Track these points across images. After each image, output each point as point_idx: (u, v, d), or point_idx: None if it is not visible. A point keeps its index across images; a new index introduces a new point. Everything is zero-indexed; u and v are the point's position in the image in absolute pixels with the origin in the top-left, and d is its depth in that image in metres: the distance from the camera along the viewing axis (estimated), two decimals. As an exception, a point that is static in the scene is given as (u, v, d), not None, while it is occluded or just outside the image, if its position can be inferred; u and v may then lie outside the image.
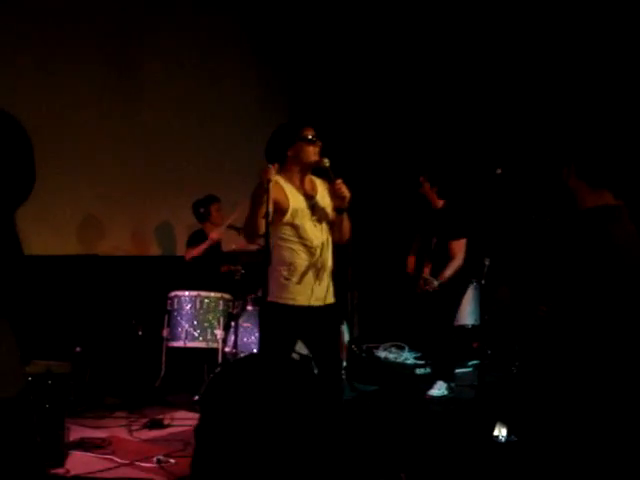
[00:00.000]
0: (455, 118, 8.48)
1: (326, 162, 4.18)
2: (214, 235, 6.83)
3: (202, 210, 7.01)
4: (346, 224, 4.34)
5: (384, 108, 9.01)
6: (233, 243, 6.80)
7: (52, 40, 6.82)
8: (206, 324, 6.31)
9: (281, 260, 4.19)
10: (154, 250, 7.73)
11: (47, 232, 6.61)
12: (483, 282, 5.50)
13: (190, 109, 7.99)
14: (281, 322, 4.18)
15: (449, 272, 6.44)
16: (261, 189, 3.97)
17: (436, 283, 6.39)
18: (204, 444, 1.39)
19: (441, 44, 8.49)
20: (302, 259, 4.17)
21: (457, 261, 6.50)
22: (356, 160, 8.51)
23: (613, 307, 2.90)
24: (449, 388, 6.50)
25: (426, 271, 6.64)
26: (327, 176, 4.23)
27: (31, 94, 6.58)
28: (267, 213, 3.96)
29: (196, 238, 6.97)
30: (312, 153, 4.18)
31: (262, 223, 4.01)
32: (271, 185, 4.00)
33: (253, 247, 6.26)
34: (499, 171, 6.37)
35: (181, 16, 7.98)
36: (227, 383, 1.43)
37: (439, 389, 6.49)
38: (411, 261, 6.96)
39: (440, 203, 6.62)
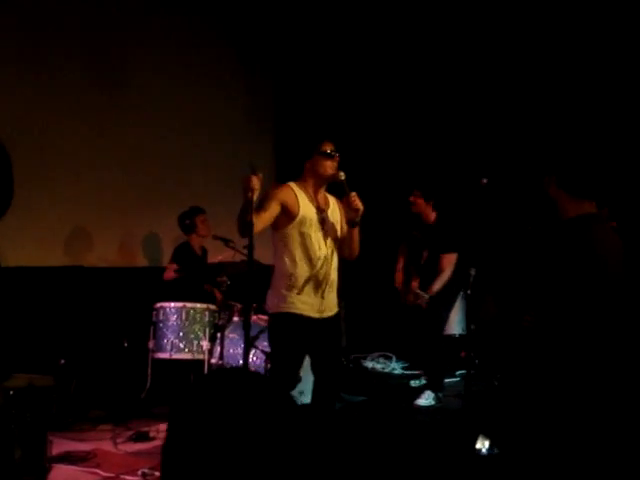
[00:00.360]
0: (440, 130, 8.50)
1: (342, 176, 4.27)
2: (167, 275, 6.84)
3: (187, 222, 7.00)
4: (356, 239, 4.41)
5: (371, 120, 9.02)
6: (219, 254, 6.78)
7: (37, 52, 6.79)
8: (192, 335, 6.27)
9: (283, 270, 4.24)
10: (140, 261, 7.70)
11: (32, 243, 6.58)
12: (469, 292, 5.50)
13: (176, 121, 7.97)
14: (287, 332, 4.23)
15: (438, 286, 6.48)
16: (246, 200, 3.97)
17: (427, 297, 6.41)
18: (171, 464, 1.37)
19: (426, 60, 8.53)
20: (303, 269, 4.21)
21: (446, 275, 6.53)
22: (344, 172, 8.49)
23: (596, 315, 2.91)
24: (436, 398, 6.50)
25: (415, 285, 6.66)
26: (341, 190, 4.29)
27: (15, 106, 6.56)
28: (251, 223, 3.95)
29: (181, 251, 6.96)
30: (329, 167, 4.27)
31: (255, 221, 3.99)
32: (270, 192, 4.11)
33: (239, 258, 6.26)
34: (484, 181, 6.40)
35: (167, 28, 7.97)
36: (197, 399, 1.41)
37: (426, 399, 6.50)
38: (399, 276, 7.00)
39: (433, 216, 6.66)
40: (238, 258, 6.28)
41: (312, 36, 9.05)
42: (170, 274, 6.79)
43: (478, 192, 6.50)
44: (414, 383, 7.41)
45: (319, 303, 4.25)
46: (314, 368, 4.40)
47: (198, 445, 1.35)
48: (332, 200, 4.47)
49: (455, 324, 7.71)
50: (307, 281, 4.20)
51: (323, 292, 4.25)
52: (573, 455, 2.81)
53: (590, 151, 3.16)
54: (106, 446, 5.20)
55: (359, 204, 4.23)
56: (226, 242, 6.64)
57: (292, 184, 4.31)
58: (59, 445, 4.83)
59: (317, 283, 4.22)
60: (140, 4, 7.75)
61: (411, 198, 6.69)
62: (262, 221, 4.08)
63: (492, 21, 7.88)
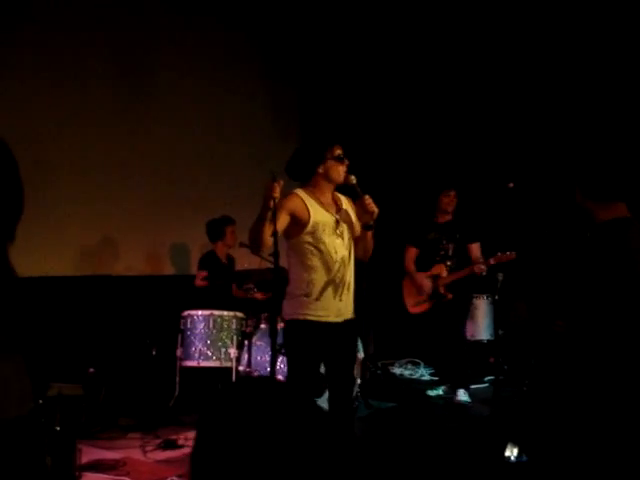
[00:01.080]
0: (466, 133, 8.47)
1: (353, 179, 4.23)
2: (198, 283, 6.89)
3: (216, 231, 7.00)
4: (370, 240, 4.36)
5: (394, 123, 9.02)
6: (245, 262, 6.80)
7: (63, 60, 6.85)
8: (219, 343, 6.29)
9: (299, 277, 4.19)
10: (167, 269, 7.74)
11: (60, 253, 6.65)
12: (497, 297, 5.46)
13: (202, 129, 8.02)
14: (304, 338, 4.17)
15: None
16: (266, 208, 3.97)
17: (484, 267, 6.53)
18: (200, 471, 1.37)
19: (452, 64, 8.51)
20: (320, 275, 4.16)
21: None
22: (368, 174, 8.51)
23: (631, 320, 2.87)
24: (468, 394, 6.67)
25: (444, 272, 6.73)
26: (353, 193, 4.26)
27: (42, 114, 6.63)
28: (275, 232, 3.95)
29: (207, 259, 6.97)
30: (341, 171, 4.24)
31: (268, 237, 4.00)
32: (277, 202, 3.99)
33: (265, 265, 6.26)
34: (511, 185, 6.37)
35: (192, 35, 8.02)
36: (225, 407, 1.41)
37: (463, 395, 6.62)
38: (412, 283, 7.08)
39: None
40: (264, 265, 6.28)
41: (335, 42, 9.05)
42: (200, 281, 6.82)
43: (505, 196, 6.50)
44: (432, 392, 7.29)
45: (338, 307, 4.21)
46: (329, 372, 4.33)
47: (226, 453, 1.35)
48: (344, 200, 4.42)
49: (483, 329, 7.68)
50: (325, 287, 4.15)
51: (341, 295, 4.21)
52: (603, 464, 2.78)
53: (607, 154, 3.11)
54: (135, 454, 5.22)
55: (374, 207, 4.17)
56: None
57: (299, 191, 4.25)
58: (89, 453, 4.84)
59: (335, 287, 4.18)
60: (166, 15, 7.79)
61: (447, 199, 6.82)
62: (271, 233, 4.04)
63: (517, 29, 7.84)
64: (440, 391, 7.17)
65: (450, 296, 6.67)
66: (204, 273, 6.83)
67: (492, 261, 6.42)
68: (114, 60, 7.27)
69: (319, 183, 4.27)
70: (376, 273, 8.23)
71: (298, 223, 4.16)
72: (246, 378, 5.07)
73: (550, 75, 7.69)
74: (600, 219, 3.03)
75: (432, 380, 8.03)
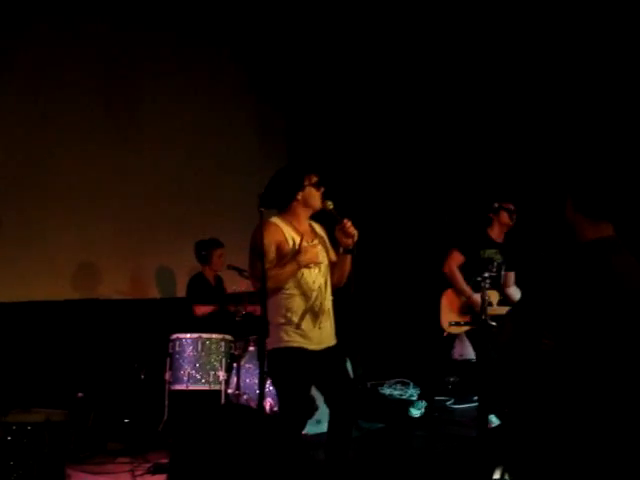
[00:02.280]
0: (453, 153, 8.52)
1: (330, 205, 4.29)
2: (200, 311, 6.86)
3: (204, 253, 7.01)
4: (348, 265, 4.38)
5: (383, 142, 9.06)
6: (234, 285, 6.81)
7: (50, 81, 6.89)
8: (208, 366, 6.27)
9: (278, 305, 4.21)
10: (153, 293, 7.72)
11: (46, 277, 6.63)
12: (483, 317, 5.47)
13: (189, 151, 8.03)
14: (289, 366, 4.19)
15: None
16: (300, 266, 4.12)
17: None
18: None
19: (440, 79, 8.56)
20: (299, 303, 4.20)
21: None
22: (357, 196, 8.57)
23: (617, 339, 2.89)
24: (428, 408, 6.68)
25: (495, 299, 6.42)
26: (332, 219, 4.29)
27: (26, 137, 6.66)
28: (261, 254, 3.99)
29: (196, 283, 6.97)
30: (319, 198, 4.28)
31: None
32: (263, 235, 4.10)
33: (254, 288, 6.28)
34: (496, 205, 6.42)
35: (177, 56, 8.05)
36: (196, 435, 1.44)
37: (418, 408, 6.71)
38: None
39: None
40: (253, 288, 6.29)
41: (323, 66, 9.11)
42: (202, 309, 6.82)
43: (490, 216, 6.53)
44: (414, 412, 7.02)
45: (318, 335, 4.23)
46: (327, 400, 4.37)
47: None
48: (317, 228, 4.48)
49: (472, 349, 7.68)
50: (304, 314, 4.18)
51: (320, 323, 4.24)
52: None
53: (606, 170, 3.13)
54: (124, 479, 5.20)
55: (353, 230, 4.21)
56: (240, 272, 6.68)
57: (276, 219, 4.29)
58: (77, 479, 4.84)
59: (314, 315, 4.21)
60: (153, 36, 7.82)
61: (509, 213, 6.45)
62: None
63: (512, 41, 7.88)
64: (422, 408, 6.99)
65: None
66: (204, 308, 6.83)
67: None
68: (100, 82, 7.30)
69: (296, 211, 4.31)
70: (363, 294, 8.27)
71: (278, 253, 4.19)
72: (225, 406, 5.08)
73: (544, 89, 7.72)
74: (585, 237, 3.05)
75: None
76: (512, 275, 6.54)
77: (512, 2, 7.75)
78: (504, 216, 6.43)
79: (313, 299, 4.23)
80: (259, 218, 4.15)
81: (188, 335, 6.36)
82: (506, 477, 3.25)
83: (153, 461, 5.50)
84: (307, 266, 4.15)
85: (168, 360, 6.33)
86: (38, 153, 6.71)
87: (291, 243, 4.21)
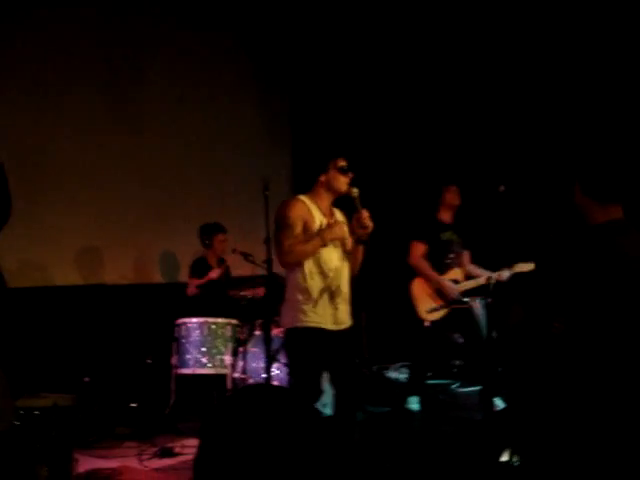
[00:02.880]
0: (459, 135, 8.49)
1: (355, 192, 4.32)
2: (213, 275, 6.83)
3: (205, 238, 7.01)
4: (360, 256, 4.45)
5: (386, 130, 9.04)
6: (239, 269, 6.82)
7: (51, 67, 6.88)
8: (214, 350, 6.29)
9: (297, 284, 4.25)
10: (159, 278, 7.74)
11: (51, 263, 6.66)
12: (490, 300, 5.47)
13: (192, 136, 8.03)
14: (306, 346, 4.24)
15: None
16: (325, 241, 4.19)
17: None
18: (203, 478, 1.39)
19: (444, 63, 8.52)
20: (316, 282, 4.24)
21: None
22: (361, 178, 8.55)
23: (628, 321, 2.88)
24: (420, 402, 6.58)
25: (460, 277, 6.54)
26: (352, 206, 4.32)
27: (30, 124, 6.65)
28: (267, 239, 4.00)
29: (198, 266, 6.96)
30: (344, 183, 4.32)
31: None
32: (288, 210, 4.21)
33: (259, 272, 6.29)
34: (502, 188, 6.39)
35: (179, 40, 8.03)
36: (228, 414, 1.43)
37: (414, 403, 6.59)
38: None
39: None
40: (258, 272, 6.31)
41: (327, 49, 9.07)
42: (192, 290, 6.82)
43: (496, 199, 6.51)
44: (414, 405, 6.73)
45: (334, 315, 4.28)
46: (333, 381, 4.42)
47: (228, 460, 1.37)
48: (338, 213, 4.51)
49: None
50: (321, 293, 4.23)
51: (337, 304, 4.29)
52: (600, 467, 2.79)
53: (613, 153, 3.12)
54: (132, 463, 5.22)
55: (369, 222, 4.24)
56: (245, 256, 6.69)
57: (303, 197, 4.34)
58: (85, 463, 4.84)
59: (331, 295, 4.26)
60: (156, 21, 7.81)
61: (451, 194, 6.55)
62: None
63: (508, 28, 7.85)
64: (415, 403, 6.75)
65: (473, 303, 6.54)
66: (195, 281, 6.82)
67: (516, 269, 6.14)
68: (104, 70, 7.28)
69: (319, 192, 4.37)
70: (367, 277, 8.28)
71: (305, 229, 4.24)
72: (246, 386, 5.10)
73: (548, 75, 7.69)
74: (595, 220, 3.04)
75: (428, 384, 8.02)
76: (468, 254, 6.65)
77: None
78: (449, 197, 6.51)
79: (331, 279, 4.27)
80: (264, 202, 4.17)
81: (194, 319, 6.38)
82: (514, 459, 3.26)
83: (160, 445, 5.54)
84: (331, 242, 4.21)
85: (174, 344, 6.36)
86: (40, 140, 6.70)
87: (317, 221, 4.27)
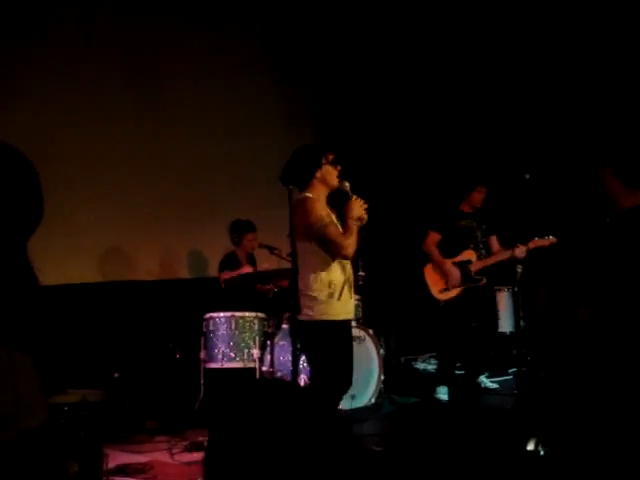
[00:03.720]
0: (482, 125, 8.45)
1: (347, 185, 4.39)
2: (244, 270, 6.85)
3: (234, 236, 7.03)
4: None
5: (410, 123, 9.02)
6: (265, 262, 6.84)
7: (77, 71, 6.90)
8: (242, 344, 6.32)
9: (320, 278, 4.26)
10: (187, 272, 7.77)
11: (78, 260, 6.70)
12: (516, 289, 5.45)
13: (216, 133, 8.04)
14: (337, 338, 4.29)
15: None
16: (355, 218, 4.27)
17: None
18: (213, 475, 1.39)
19: (463, 60, 8.51)
20: (339, 275, 4.29)
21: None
22: (381, 175, 8.56)
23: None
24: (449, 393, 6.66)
25: (474, 257, 6.68)
26: (344, 198, 4.36)
27: (56, 122, 6.69)
28: (291, 233, 4.01)
29: (228, 261, 6.99)
30: (335, 176, 4.37)
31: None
32: (312, 207, 4.25)
33: (284, 266, 6.29)
34: (527, 176, 6.35)
35: (205, 39, 8.05)
36: (237, 410, 1.43)
37: (444, 394, 6.65)
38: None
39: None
40: (284, 266, 6.32)
41: (350, 40, 9.05)
42: (226, 277, 6.84)
43: (522, 187, 6.47)
44: (443, 396, 6.79)
45: (352, 305, 4.43)
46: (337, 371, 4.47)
47: (238, 457, 1.37)
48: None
49: (505, 321, 7.65)
50: (343, 286, 4.28)
51: (352, 294, 4.40)
52: (625, 455, 2.77)
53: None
54: (162, 457, 5.24)
55: (360, 209, 4.30)
56: (271, 250, 6.71)
57: (310, 194, 4.35)
58: (116, 458, 4.88)
59: (349, 286, 4.33)
60: (177, 16, 7.82)
61: (480, 195, 6.76)
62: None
63: (530, 21, 7.80)
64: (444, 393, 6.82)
65: (485, 281, 6.66)
66: (227, 273, 6.85)
67: (531, 245, 6.36)
68: (127, 67, 7.31)
69: (316, 188, 4.37)
70: (394, 270, 8.27)
71: None
72: (260, 381, 5.12)
73: (575, 63, 7.63)
74: (624, 205, 3.01)
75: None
76: (495, 238, 6.90)
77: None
78: (476, 196, 6.78)
79: (348, 270, 4.35)
80: (288, 196, 4.16)
81: (222, 314, 6.41)
82: (540, 448, 3.24)
83: (190, 439, 5.54)
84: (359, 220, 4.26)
85: (202, 339, 6.39)
86: (67, 136, 6.74)
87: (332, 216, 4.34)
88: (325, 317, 4.25)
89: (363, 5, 8.83)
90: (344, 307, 4.30)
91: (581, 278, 3.03)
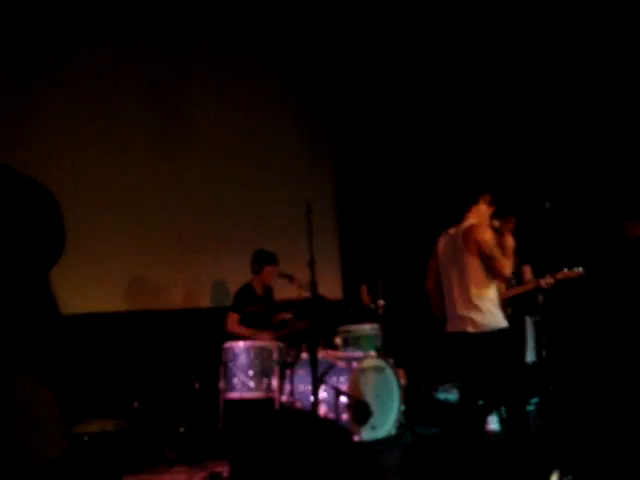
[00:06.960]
0: (501, 153, 8.45)
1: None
2: (258, 310, 6.82)
3: (256, 266, 6.97)
4: None
5: (431, 147, 9.03)
6: (284, 292, 6.83)
7: (100, 100, 6.95)
8: (261, 374, 6.29)
9: (492, 289, 5.06)
10: (206, 302, 7.75)
11: (98, 289, 6.70)
12: (538, 318, 5.42)
13: (238, 163, 8.08)
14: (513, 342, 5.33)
15: None
16: None
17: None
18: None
19: (480, 87, 8.53)
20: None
21: None
22: (401, 203, 8.56)
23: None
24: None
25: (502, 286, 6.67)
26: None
27: (76, 152, 6.72)
28: (311, 261, 4.02)
29: (243, 294, 6.91)
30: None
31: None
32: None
33: (304, 296, 6.27)
34: (548, 205, 6.33)
35: (222, 67, 8.11)
36: (258, 439, 1.43)
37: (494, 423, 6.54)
38: None
39: None
40: (303, 296, 6.30)
41: (367, 72, 9.11)
42: (233, 327, 6.76)
43: (542, 215, 6.46)
44: (495, 426, 6.71)
45: None
46: None
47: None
48: None
49: (528, 351, 7.58)
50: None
51: None
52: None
53: (635, 177, 3.13)
54: (181, 487, 5.24)
55: None
56: (290, 279, 6.68)
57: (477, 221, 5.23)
58: (135, 488, 4.88)
59: None
60: (199, 45, 7.90)
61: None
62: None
63: (552, 47, 7.82)
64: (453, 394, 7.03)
65: (510, 310, 6.59)
66: (235, 316, 6.81)
67: (559, 276, 6.29)
68: (149, 98, 7.36)
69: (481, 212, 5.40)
70: (417, 296, 8.23)
71: None
72: (280, 411, 5.12)
73: (583, 94, 7.65)
74: (632, 235, 3.03)
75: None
76: (529, 268, 6.97)
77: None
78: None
79: None
80: (307, 225, 4.18)
81: (241, 343, 6.40)
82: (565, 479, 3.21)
83: (209, 469, 5.52)
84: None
85: (221, 368, 6.37)
86: (86, 165, 6.78)
87: None
88: (499, 326, 4.98)
89: (382, 38, 8.88)
90: None
91: (602, 304, 3.02)
